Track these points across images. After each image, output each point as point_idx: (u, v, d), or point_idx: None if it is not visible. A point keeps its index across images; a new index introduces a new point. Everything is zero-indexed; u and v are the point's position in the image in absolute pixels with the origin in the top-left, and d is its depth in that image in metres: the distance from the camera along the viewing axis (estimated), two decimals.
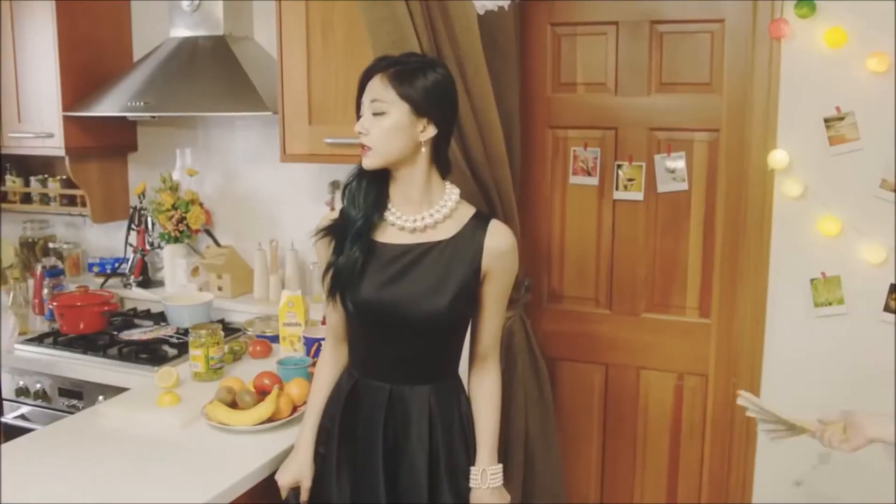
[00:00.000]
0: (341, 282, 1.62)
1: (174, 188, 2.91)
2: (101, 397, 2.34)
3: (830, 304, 2.19)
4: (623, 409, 2.57)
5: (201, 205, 2.91)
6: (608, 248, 2.52)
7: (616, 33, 2.40)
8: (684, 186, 2.38)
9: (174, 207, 2.85)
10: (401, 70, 1.55)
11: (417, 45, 1.95)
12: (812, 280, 2.20)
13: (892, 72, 2.04)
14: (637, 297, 2.51)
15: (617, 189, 2.46)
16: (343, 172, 2.69)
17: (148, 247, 3.04)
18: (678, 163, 2.37)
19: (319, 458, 1.72)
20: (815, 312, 2.20)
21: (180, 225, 2.85)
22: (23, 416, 2.53)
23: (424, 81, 1.54)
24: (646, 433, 2.55)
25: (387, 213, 1.64)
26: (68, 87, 2.81)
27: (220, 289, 2.86)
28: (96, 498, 1.57)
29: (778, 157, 2.17)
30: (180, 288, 2.90)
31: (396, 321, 1.61)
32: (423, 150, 1.58)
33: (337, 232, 1.65)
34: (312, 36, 2.40)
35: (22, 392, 2.52)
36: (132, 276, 3.04)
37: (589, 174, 2.49)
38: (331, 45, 2.37)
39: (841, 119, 2.11)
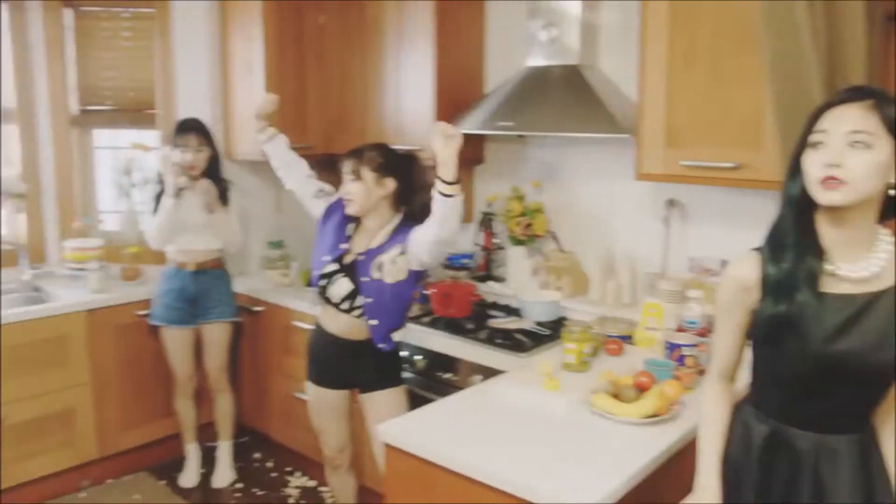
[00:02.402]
0: (789, 330, 1.55)
1: (521, 197, 3.30)
2: (478, 377, 2.72)
3: None
4: None
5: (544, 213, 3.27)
6: None
7: None
8: None
9: (523, 214, 3.24)
10: (883, 101, 1.46)
11: (817, 80, 2.02)
12: None
13: None
14: None
15: None
16: (684, 192, 2.92)
17: (493, 246, 3.47)
18: None
19: None
20: None
21: (528, 230, 3.24)
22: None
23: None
24: None
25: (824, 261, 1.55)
26: (441, 109, 3.29)
27: (559, 289, 3.20)
28: (513, 458, 1.85)
29: None
30: (523, 285, 3.28)
31: (845, 375, 1.54)
32: (892, 191, 1.48)
33: (773, 274, 1.58)
34: (674, 67, 2.59)
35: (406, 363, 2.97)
36: (477, 271, 3.49)
37: None
38: (692, 77, 2.55)
39: None
